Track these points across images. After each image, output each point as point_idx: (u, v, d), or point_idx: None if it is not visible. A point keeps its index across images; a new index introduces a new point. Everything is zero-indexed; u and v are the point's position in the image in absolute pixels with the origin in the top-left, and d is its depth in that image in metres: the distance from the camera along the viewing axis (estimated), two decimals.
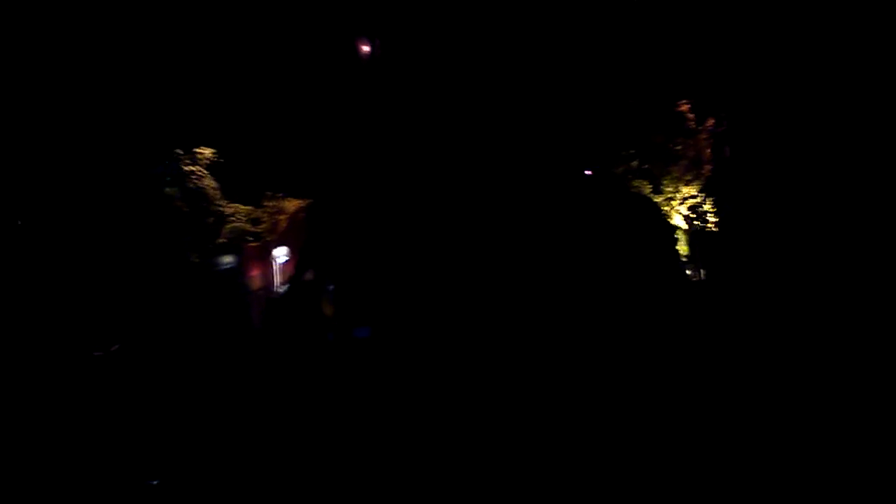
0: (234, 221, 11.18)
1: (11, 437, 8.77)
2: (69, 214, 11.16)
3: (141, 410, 9.61)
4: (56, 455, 8.66)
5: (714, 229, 9.53)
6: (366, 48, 11.25)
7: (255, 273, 11.25)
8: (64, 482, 8.25)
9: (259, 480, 7.93)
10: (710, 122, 9.70)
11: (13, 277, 10.61)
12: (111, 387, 10.10)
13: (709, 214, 9.63)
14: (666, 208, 9.58)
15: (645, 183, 9.55)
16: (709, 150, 9.75)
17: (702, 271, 9.45)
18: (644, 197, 9.59)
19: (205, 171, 11.11)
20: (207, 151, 11.02)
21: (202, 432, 9.21)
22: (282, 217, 11.15)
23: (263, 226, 11.22)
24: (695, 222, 9.68)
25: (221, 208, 11.16)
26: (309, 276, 11.04)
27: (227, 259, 11.30)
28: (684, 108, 9.73)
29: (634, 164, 9.58)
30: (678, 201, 9.68)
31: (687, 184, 9.74)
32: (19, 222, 10.83)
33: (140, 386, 10.10)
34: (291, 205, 11.14)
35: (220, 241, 11.26)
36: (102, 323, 10.81)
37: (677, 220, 9.64)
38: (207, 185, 11.11)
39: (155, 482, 8.49)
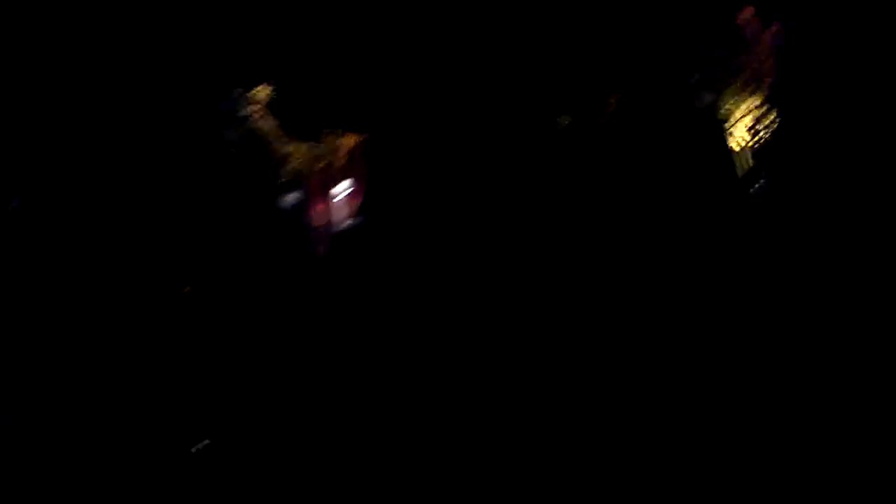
0: (294, 160, 11.44)
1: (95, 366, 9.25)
2: (128, 161, 11.44)
3: (215, 349, 10.07)
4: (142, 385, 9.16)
5: (774, 140, 9.47)
6: None
7: (319, 209, 11.57)
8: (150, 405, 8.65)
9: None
10: (775, 27, 9.48)
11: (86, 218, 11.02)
12: (185, 325, 10.61)
13: (771, 126, 9.54)
14: (726, 125, 9.55)
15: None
16: (771, 60, 9.61)
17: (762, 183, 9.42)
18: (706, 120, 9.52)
19: (263, 111, 11.31)
20: (264, 92, 11.18)
21: (269, 373, 9.47)
22: (341, 153, 11.37)
23: (323, 163, 11.46)
24: (757, 135, 9.66)
25: (281, 148, 11.40)
26: (370, 211, 11.35)
27: (290, 196, 11.62)
28: (747, 13, 9.53)
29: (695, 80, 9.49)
30: (740, 114, 9.62)
31: (750, 95, 9.65)
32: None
33: (212, 324, 10.60)
34: (350, 140, 11.31)
35: (282, 180, 11.57)
36: (174, 265, 11.25)
37: (739, 133, 9.57)
38: (266, 126, 11.33)
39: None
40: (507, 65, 10.60)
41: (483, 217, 10.49)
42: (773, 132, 9.86)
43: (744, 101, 9.70)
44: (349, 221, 11.60)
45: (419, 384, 8.52)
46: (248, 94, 11.33)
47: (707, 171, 9.84)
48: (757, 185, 9.49)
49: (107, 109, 11.06)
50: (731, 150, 9.87)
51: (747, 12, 9.46)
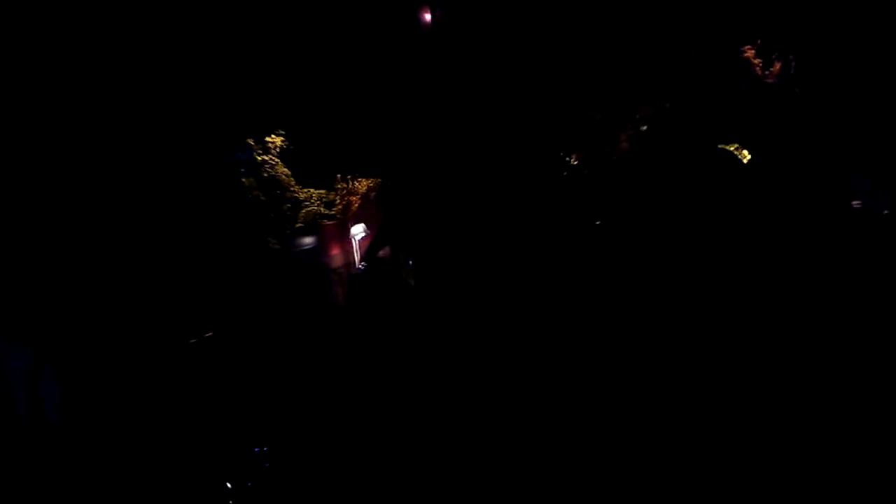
0: (308, 206, 11.65)
1: (123, 421, 9.65)
2: (156, 209, 11.70)
3: (238, 390, 10.38)
4: (164, 433, 9.52)
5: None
6: (427, 18, 11.32)
7: (335, 252, 11.77)
8: (172, 456, 9.11)
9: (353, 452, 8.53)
10: (778, 66, 9.59)
11: (108, 273, 11.30)
12: (209, 370, 10.87)
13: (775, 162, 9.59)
14: (735, 159, 9.61)
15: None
16: (778, 99, 9.66)
17: None
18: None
19: (277, 159, 11.56)
20: (278, 140, 11.44)
21: (299, 406, 9.92)
22: (354, 198, 11.58)
23: (337, 207, 11.68)
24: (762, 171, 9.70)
25: (296, 194, 11.63)
26: (386, 252, 11.50)
27: (307, 240, 11.84)
28: (749, 53, 9.64)
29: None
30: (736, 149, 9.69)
31: (755, 132, 9.70)
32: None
33: (235, 367, 10.85)
34: (362, 185, 11.55)
35: (298, 224, 11.78)
36: (195, 312, 11.48)
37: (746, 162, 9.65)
38: (281, 173, 11.57)
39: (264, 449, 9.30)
40: (518, 106, 10.76)
41: (496, 257, 10.62)
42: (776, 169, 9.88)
43: (748, 138, 9.75)
44: (364, 264, 11.79)
45: (433, 425, 8.71)
46: (262, 143, 11.65)
47: (717, 202, 9.91)
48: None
49: (130, 160, 11.43)
50: (738, 183, 9.90)
51: (751, 51, 9.57)
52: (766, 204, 9.86)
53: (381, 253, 11.82)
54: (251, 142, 11.48)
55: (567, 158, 10.43)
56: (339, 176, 11.62)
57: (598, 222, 10.37)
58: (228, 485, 8.57)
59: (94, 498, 7.94)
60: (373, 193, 11.53)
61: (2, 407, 8.58)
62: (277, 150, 11.50)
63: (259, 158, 11.51)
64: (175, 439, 9.48)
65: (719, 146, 9.95)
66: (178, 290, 11.43)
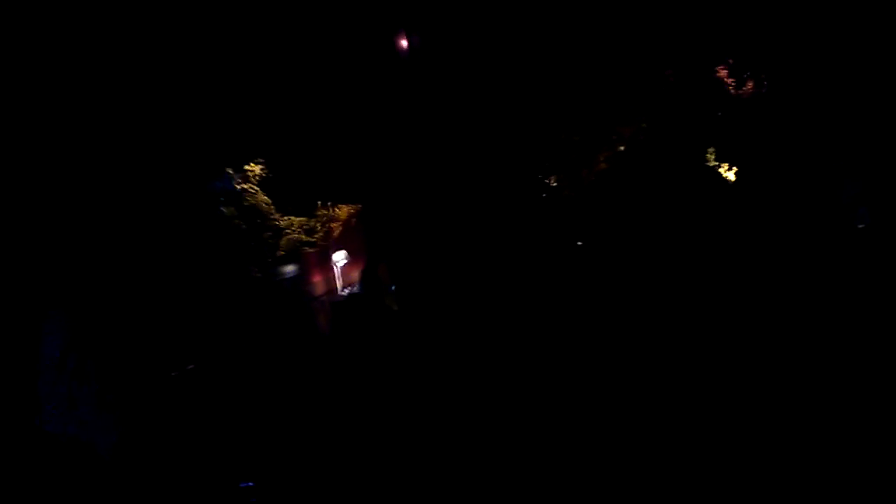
0: (290, 233, 11.59)
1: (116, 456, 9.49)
2: (134, 237, 11.58)
3: (224, 422, 10.23)
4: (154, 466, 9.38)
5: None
6: (404, 45, 11.39)
7: (317, 279, 11.68)
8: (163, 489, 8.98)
9: (345, 480, 8.44)
10: (750, 85, 9.69)
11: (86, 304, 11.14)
12: (194, 402, 10.69)
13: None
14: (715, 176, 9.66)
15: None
16: (749, 114, 9.74)
17: None
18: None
19: (257, 188, 11.52)
20: (257, 168, 11.40)
21: (285, 437, 9.81)
22: (335, 224, 11.53)
23: (318, 235, 11.62)
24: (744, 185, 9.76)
25: (277, 222, 11.57)
26: (368, 278, 11.43)
27: (289, 268, 11.74)
28: (723, 73, 9.74)
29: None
30: (724, 169, 9.75)
31: (734, 148, 9.76)
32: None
33: (221, 399, 10.68)
34: (343, 212, 11.50)
35: (279, 253, 11.70)
36: (175, 343, 11.31)
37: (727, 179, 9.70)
38: (261, 201, 11.52)
39: (250, 484, 9.18)
40: (497, 130, 10.80)
41: (480, 279, 10.58)
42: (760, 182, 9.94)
43: (726, 153, 9.82)
44: (346, 291, 11.70)
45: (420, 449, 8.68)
46: (242, 172, 11.61)
47: (698, 218, 9.96)
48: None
49: (112, 189, 11.34)
50: (719, 201, 9.94)
51: (724, 70, 9.68)
52: (750, 220, 9.96)
53: (364, 279, 11.76)
54: (230, 171, 11.45)
55: (546, 180, 10.45)
56: (319, 203, 11.57)
57: (579, 242, 10.38)
58: None
59: None
60: (354, 220, 11.48)
61: None
62: (257, 178, 11.46)
63: (238, 187, 11.47)
64: (159, 473, 9.33)
65: (704, 164, 10.04)
66: (159, 322, 11.30)
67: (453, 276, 10.72)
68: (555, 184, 10.37)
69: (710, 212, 9.85)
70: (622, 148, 10.07)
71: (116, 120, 11.35)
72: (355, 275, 11.67)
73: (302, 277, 11.75)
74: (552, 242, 10.26)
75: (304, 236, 11.57)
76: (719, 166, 9.64)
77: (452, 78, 10.98)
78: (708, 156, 9.81)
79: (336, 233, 11.57)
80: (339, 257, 11.62)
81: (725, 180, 9.87)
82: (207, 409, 10.46)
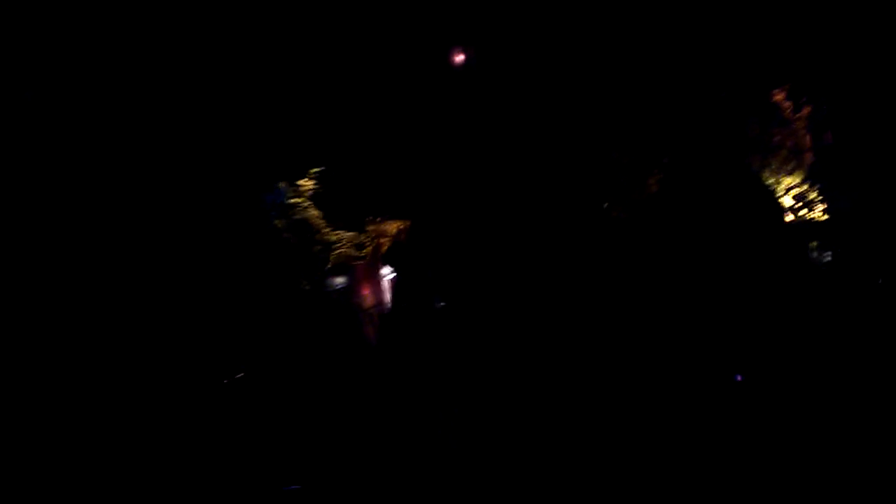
0: (339, 248, 11.79)
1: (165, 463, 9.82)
2: (192, 252, 11.92)
3: (273, 429, 10.52)
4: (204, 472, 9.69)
5: (823, 217, 9.51)
6: (459, 59, 11.46)
7: (366, 292, 11.86)
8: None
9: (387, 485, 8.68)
10: (807, 109, 9.58)
11: (145, 314, 11.50)
12: (243, 410, 10.99)
13: (816, 203, 9.59)
14: (772, 199, 9.58)
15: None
16: (808, 138, 9.67)
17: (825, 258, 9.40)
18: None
19: (308, 202, 11.74)
20: (309, 183, 11.63)
21: (331, 444, 10.08)
22: (384, 240, 11.70)
23: (367, 249, 11.80)
24: (800, 212, 9.69)
25: (326, 236, 11.78)
26: (417, 292, 11.59)
27: (338, 281, 11.96)
28: (779, 96, 9.65)
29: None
30: (781, 192, 9.66)
31: (788, 174, 9.72)
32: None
33: (269, 407, 10.96)
34: (392, 227, 11.66)
35: (328, 266, 11.92)
36: (227, 353, 11.61)
37: (787, 205, 9.60)
38: (311, 215, 11.74)
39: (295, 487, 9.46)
40: (547, 151, 10.85)
41: (527, 301, 10.66)
42: (817, 203, 9.87)
43: (785, 176, 9.75)
44: (395, 304, 11.88)
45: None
46: (294, 186, 11.85)
47: (756, 242, 9.91)
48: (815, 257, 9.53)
49: (165, 203, 11.68)
50: (778, 223, 9.88)
51: (780, 94, 9.58)
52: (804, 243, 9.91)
53: (409, 293, 11.92)
54: (283, 185, 11.70)
55: (596, 202, 10.48)
56: (369, 218, 11.75)
57: (630, 264, 10.38)
58: None
59: None
60: (403, 235, 11.63)
61: None
62: (309, 193, 11.69)
63: (290, 201, 11.71)
64: (207, 477, 9.65)
65: (758, 186, 9.98)
66: (211, 332, 11.61)
67: (501, 294, 10.82)
68: (605, 205, 10.39)
69: (761, 234, 9.82)
70: (672, 170, 10.05)
71: (177, 133, 11.75)
72: (403, 289, 11.84)
73: (350, 290, 11.96)
74: (602, 264, 10.29)
75: (353, 251, 11.77)
76: (775, 190, 9.58)
77: (505, 95, 11.06)
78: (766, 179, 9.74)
79: (385, 247, 11.74)
80: (388, 271, 11.80)
81: (779, 203, 9.81)
82: (257, 415, 10.77)
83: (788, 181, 9.66)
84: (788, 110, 9.70)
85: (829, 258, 9.33)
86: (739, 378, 8.27)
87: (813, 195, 9.60)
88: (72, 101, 11.43)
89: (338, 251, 11.82)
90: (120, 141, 11.70)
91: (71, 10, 11.05)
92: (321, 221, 11.84)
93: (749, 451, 7.26)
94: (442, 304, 11.24)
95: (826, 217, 9.46)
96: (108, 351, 10.89)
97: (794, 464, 6.93)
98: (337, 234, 11.87)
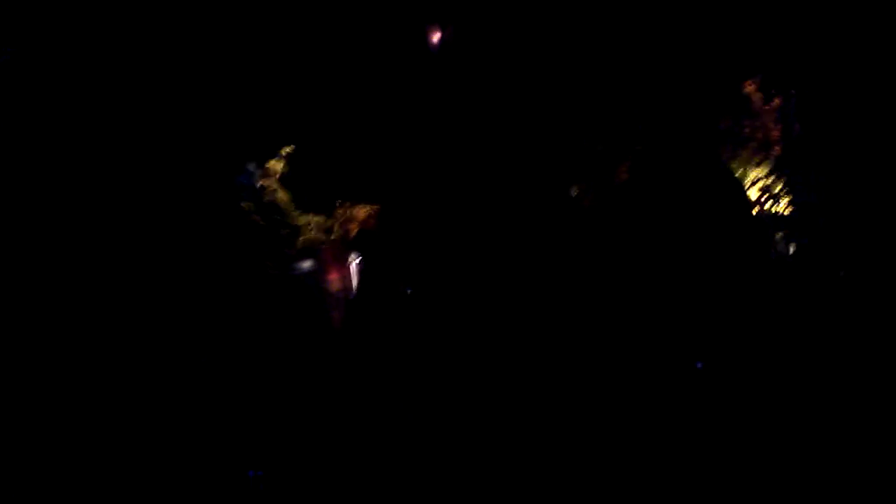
0: (307, 232, 11.62)
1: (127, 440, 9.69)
2: (155, 231, 11.69)
3: (236, 413, 10.41)
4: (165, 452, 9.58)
5: (789, 209, 9.52)
6: (435, 40, 11.30)
7: (333, 277, 11.72)
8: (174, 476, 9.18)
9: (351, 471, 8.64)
10: (777, 100, 9.58)
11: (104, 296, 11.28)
12: (206, 394, 10.85)
13: (782, 196, 9.59)
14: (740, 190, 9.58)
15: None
16: (777, 131, 9.67)
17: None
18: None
19: (277, 184, 11.56)
20: (279, 165, 11.44)
21: (294, 429, 9.99)
22: (353, 225, 11.55)
23: (335, 234, 11.64)
24: (766, 204, 9.69)
25: (295, 220, 11.61)
26: (384, 278, 11.47)
27: (305, 266, 11.79)
28: (750, 88, 9.64)
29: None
30: (748, 184, 9.66)
31: (756, 165, 9.71)
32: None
33: (232, 391, 10.83)
34: (362, 211, 11.51)
35: (296, 250, 11.75)
36: (188, 335, 11.42)
37: (753, 196, 9.60)
38: (280, 198, 11.56)
39: (259, 473, 9.38)
40: (520, 136, 10.77)
41: (495, 286, 10.59)
42: (782, 195, 9.88)
43: (753, 168, 9.75)
44: (361, 290, 11.75)
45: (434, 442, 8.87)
46: (263, 168, 11.65)
47: (722, 233, 9.91)
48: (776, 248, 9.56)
49: (131, 182, 11.45)
50: (744, 214, 9.89)
51: (752, 85, 9.57)
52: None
53: (379, 280, 11.81)
54: (252, 166, 11.50)
55: (567, 188, 10.42)
56: (338, 202, 11.59)
57: (598, 251, 10.35)
58: None
59: None
60: (372, 220, 11.49)
61: None
62: (278, 175, 11.51)
63: (259, 184, 11.52)
64: (170, 462, 9.52)
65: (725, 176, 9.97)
66: (174, 314, 11.42)
67: (469, 280, 10.73)
68: (575, 193, 10.33)
69: (730, 224, 9.82)
70: (644, 159, 10.01)
71: (145, 114, 11.50)
72: (371, 274, 11.71)
73: (318, 275, 11.81)
74: (571, 251, 10.24)
75: (321, 235, 11.61)
76: (743, 181, 9.59)
77: (480, 80, 10.94)
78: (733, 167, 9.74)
79: (353, 232, 11.59)
80: (355, 257, 11.67)
81: (746, 195, 9.81)
82: (219, 401, 10.63)
83: (755, 173, 9.66)
84: (759, 101, 9.70)
85: (794, 250, 9.36)
86: (700, 366, 8.29)
87: (778, 188, 9.62)
88: (43, 72, 11.19)
89: (306, 235, 11.66)
90: (86, 117, 11.47)
91: None
92: (290, 204, 11.67)
93: (710, 436, 7.26)
94: (409, 290, 11.13)
95: (791, 209, 9.49)
96: (69, 330, 10.70)
97: (754, 450, 6.93)
98: (305, 218, 11.70)
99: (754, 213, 9.77)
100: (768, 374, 8.06)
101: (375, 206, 11.47)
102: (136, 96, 11.53)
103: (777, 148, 9.73)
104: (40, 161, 11.04)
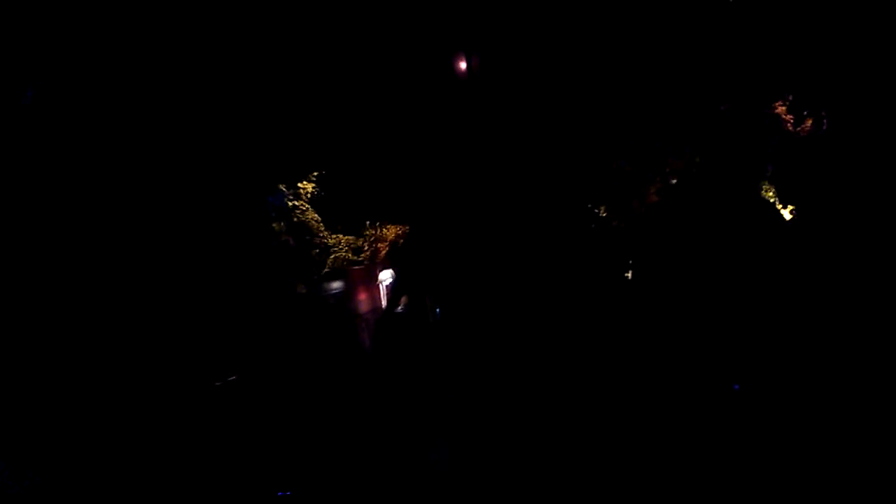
0: (337, 251, 11.77)
1: (153, 462, 9.74)
2: (186, 250, 11.87)
3: (264, 432, 10.45)
4: (193, 474, 9.59)
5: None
6: (462, 67, 11.47)
7: (363, 297, 11.82)
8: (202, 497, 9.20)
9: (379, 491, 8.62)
10: (809, 122, 9.56)
11: (135, 313, 11.43)
12: (234, 413, 10.92)
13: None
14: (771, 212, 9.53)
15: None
16: (807, 149, 9.55)
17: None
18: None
19: (307, 205, 11.73)
20: (310, 186, 11.62)
21: (326, 449, 10.00)
22: (382, 244, 11.69)
23: (365, 254, 11.78)
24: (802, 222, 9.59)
25: (325, 239, 11.76)
26: (413, 298, 11.53)
27: (334, 285, 11.91)
28: (780, 109, 9.63)
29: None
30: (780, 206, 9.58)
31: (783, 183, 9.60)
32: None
33: (261, 410, 10.89)
34: (391, 232, 11.65)
35: (325, 270, 11.89)
36: (219, 355, 11.53)
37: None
38: (311, 218, 11.73)
39: (287, 493, 9.39)
40: (547, 157, 10.82)
41: (525, 307, 10.59)
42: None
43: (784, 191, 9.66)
44: (391, 310, 11.82)
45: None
46: (294, 189, 11.83)
47: (750, 260, 9.82)
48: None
49: (162, 202, 11.63)
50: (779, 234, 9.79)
51: (782, 107, 9.55)
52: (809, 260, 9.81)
53: (405, 300, 11.86)
54: (283, 187, 11.68)
55: (595, 210, 10.43)
56: (367, 223, 11.74)
57: (627, 275, 10.32)
58: None
59: None
60: (401, 241, 11.60)
61: None
62: (308, 195, 11.69)
63: (290, 204, 11.70)
64: (197, 483, 9.58)
65: (759, 196, 9.91)
66: (203, 332, 11.56)
67: (498, 301, 10.76)
68: (604, 214, 10.35)
69: (764, 249, 9.73)
70: (674, 181, 10.02)
71: (180, 132, 11.72)
72: (401, 295, 11.78)
73: (347, 295, 11.91)
74: (599, 273, 10.22)
75: (350, 255, 11.75)
76: (776, 203, 9.51)
77: (509, 102, 11.04)
78: (766, 193, 9.69)
79: (383, 252, 11.72)
80: (385, 276, 11.75)
81: (781, 217, 9.71)
82: (247, 420, 10.71)
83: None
84: (790, 122, 9.68)
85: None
86: (737, 388, 8.19)
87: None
88: (73, 102, 11.44)
89: (335, 255, 11.81)
90: (120, 141, 11.71)
91: (75, 9, 11.05)
92: (320, 225, 11.83)
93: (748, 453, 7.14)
94: (439, 310, 11.18)
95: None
96: (102, 352, 10.86)
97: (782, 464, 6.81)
98: (335, 238, 11.86)
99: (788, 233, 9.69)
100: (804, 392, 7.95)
101: (405, 227, 11.61)
102: (169, 120, 11.78)
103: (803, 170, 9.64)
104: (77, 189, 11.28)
